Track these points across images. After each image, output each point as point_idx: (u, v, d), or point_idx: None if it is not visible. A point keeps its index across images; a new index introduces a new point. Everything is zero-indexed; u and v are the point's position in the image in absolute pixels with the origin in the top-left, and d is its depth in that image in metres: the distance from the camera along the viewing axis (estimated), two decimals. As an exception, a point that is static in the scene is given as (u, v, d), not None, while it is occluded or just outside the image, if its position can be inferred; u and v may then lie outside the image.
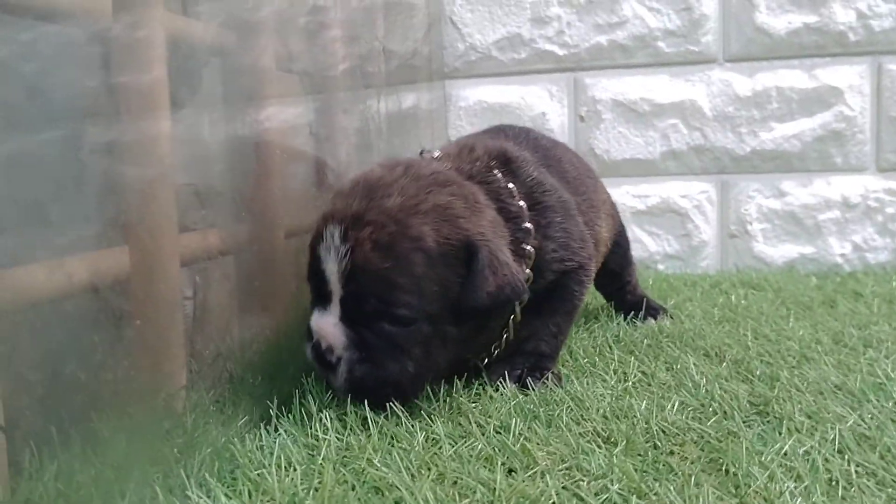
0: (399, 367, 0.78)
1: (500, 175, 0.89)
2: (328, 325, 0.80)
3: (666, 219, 1.88)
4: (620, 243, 1.25)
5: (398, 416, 0.75)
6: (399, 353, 0.78)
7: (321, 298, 0.81)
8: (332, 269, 0.78)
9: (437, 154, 0.92)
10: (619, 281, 1.27)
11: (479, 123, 1.92)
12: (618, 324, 1.17)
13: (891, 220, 1.79)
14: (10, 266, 0.53)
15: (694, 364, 0.91)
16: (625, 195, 1.88)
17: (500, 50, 1.92)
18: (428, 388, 0.82)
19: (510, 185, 0.88)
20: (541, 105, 1.91)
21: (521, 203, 0.88)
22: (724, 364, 0.92)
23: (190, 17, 0.85)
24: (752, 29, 1.80)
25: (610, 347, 1.03)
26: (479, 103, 1.92)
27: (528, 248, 0.87)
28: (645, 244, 1.89)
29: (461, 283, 0.78)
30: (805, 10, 1.78)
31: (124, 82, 0.67)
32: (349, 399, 0.78)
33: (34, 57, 0.63)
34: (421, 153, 0.94)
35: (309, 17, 1.20)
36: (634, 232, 1.88)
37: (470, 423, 0.73)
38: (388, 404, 0.77)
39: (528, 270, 0.87)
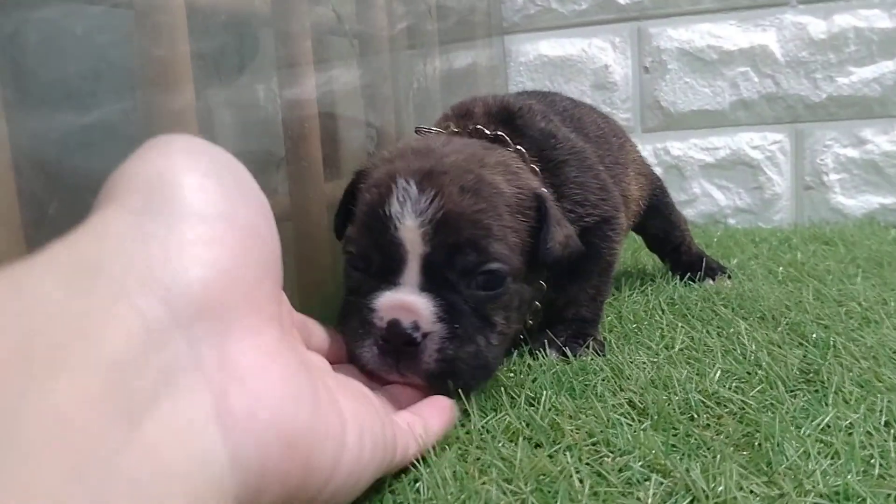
0: (485, 340, 0.69)
1: (506, 138, 0.84)
2: (411, 297, 0.68)
3: (737, 171, 1.81)
4: (659, 207, 1.18)
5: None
6: (484, 323, 0.70)
7: (386, 272, 0.69)
8: (411, 224, 0.68)
9: (433, 130, 0.87)
10: (668, 244, 1.21)
11: (540, 79, 1.87)
12: (673, 286, 1.13)
13: (980, 166, 1.68)
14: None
15: (746, 329, 0.87)
16: (693, 148, 1.81)
17: (560, 1, 1.86)
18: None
19: (518, 148, 0.84)
20: (603, 57, 1.85)
21: (532, 167, 0.84)
22: (779, 328, 0.88)
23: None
24: (827, -33, 1.70)
25: (662, 311, 1.00)
26: (539, 58, 1.87)
27: None
28: (715, 198, 1.82)
29: (532, 238, 0.74)
30: (886, -57, 1.67)
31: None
32: (433, 384, 0.67)
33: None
34: (417, 130, 0.90)
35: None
36: (704, 186, 1.82)
37: (502, 394, 0.71)
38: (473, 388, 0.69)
39: None
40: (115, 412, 0.30)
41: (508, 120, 0.88)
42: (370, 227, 0.70)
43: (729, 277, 1.18)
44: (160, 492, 0.31)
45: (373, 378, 0.68)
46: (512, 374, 0.77)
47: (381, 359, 0.67)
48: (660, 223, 1.19)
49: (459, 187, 0.69)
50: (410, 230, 0.68)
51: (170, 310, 0.35)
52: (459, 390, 0.67)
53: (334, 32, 1.16)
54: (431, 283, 0.68)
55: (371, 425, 0.48)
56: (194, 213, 0.38)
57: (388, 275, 0.69)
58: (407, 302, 0.67)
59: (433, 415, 0.62)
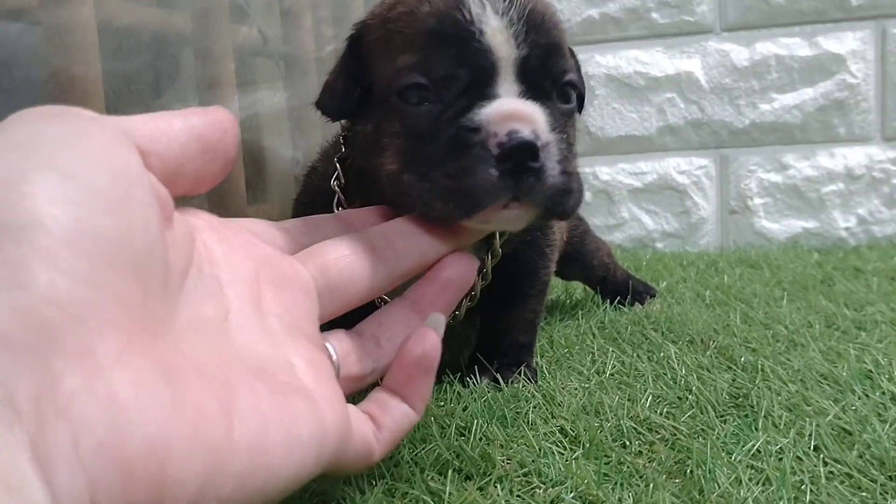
0: (574, 163, 0.61)
1: None
2: (523, 105, 0.58)
3: (664, 196, 1.83)
4: (577, 257, 1.16)
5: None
6: (567, 141, 0.60)
7: (475, 88, 0.59)
8: (497, 25, 0.59)
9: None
10: (586, 267, 1.18)
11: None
12: (603, 310, 1.13)
13: (897, 190, 1.73)
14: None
15: (676, 353, 0.87)
16: (621, 173, 1.83)
17: (490, 27, 1.86)
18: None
19: None
20: (533, 82, 1.86)
21: None
22: (708, 352, 0.88)
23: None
24: (748, -3, 1.74)
25: (593, 335, 0.99)
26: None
27: None
28: (643, 223, 1.84)
29: None
30: (804, -25, 1.72)
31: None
32: (551, 208, 0.58)
33: None
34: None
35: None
36: (632, 210, 1.84)
37: (432, 424, 0.69)
38: None
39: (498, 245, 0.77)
40: None
41: None
42: (443, 39, 0.59)
43: (652, 297, 1.18)
44: None
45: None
46: (442, 404, 0.75)
47: (501, 182, 0.55)
48: (576, 244, 1.16)
49: None
50: (499, 32, 0.59)
51: None
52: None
53: (260, 54, 1.14)
54: (529, 92, 0.60)
55: (290, 420, 0.43)
56: (4, 228, 0.34)
57: (480, 89, 0.59)
58: (521, 110, 0.57)
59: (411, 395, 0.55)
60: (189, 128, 0.45)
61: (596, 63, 1.82)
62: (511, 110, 0.57)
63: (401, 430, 0.54)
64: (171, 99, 0.92)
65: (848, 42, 1.72)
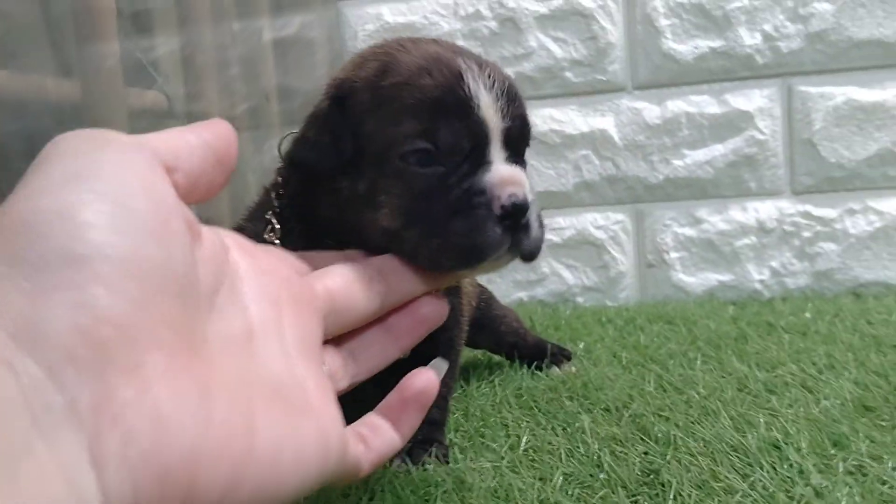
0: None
1: None
2: (518, 171, 0.67)
3: (583, 251, 1.84)
4: (485, 323, 1.17)
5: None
6: None
7: (474, 154, 0.67)
8: (487, 100, 0.66)
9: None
10: (495, 333, 1.19)
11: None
12: (521, 375, 1.12)
13: (808, 243, 1.77)
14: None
15: (590, 424, 0.86)
16: (540, 229, 1.84)
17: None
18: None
19: None
20: (451, 140, 1.86)
21: None
22: (622, 421, 0.87)
23: None
24: (659, 55, 1.78)
25: (509, 405, 0.98)
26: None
27: None
28: (563, 277, 1.85)
29: None
30: (711, 34, 1.77)
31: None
32: (531, 259, 0.68)
33: None
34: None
35: None
36: (552, 265, 1.84)
37: (336, 516, 0.66)
38: None
39: None
40: None
41: None
42: (448, 110, 0.66)
43: (567, 359, 1.19)
44: None
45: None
46: (349, 493, 0.72)
47: (503, 237, 0.64)
48: (489, 337, 1.18)
49: (495, 64, 0.71)
50: (489, 107, 0.66)
51: (39, 363, 0.36)
52: None
53: (166, 115, 1.12)
54: (512, 157, 0.68)
55: (300, 437, 0.47)
56: (65, 256, 0.38)
57: (478, 156, 0.67)
58: (516, 176, 0.66)
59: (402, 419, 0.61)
60: (203, 142, 0.49)
61: (512, 121, 1.84)
62: (508, 176, 0.65)
63: (387, 453, 0.58)
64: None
65: (755, 99, 1.77)
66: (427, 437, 0.82)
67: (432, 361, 0.63)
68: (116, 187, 0.42)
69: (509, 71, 1.81)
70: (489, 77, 0.67)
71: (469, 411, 0.96)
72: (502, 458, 0.79)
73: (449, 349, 0.86)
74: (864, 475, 0.69)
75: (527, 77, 1.82)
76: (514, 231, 0.65)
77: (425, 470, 0.76)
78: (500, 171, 0.65)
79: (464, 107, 0.66)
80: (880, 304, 1.55)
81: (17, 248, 0.38)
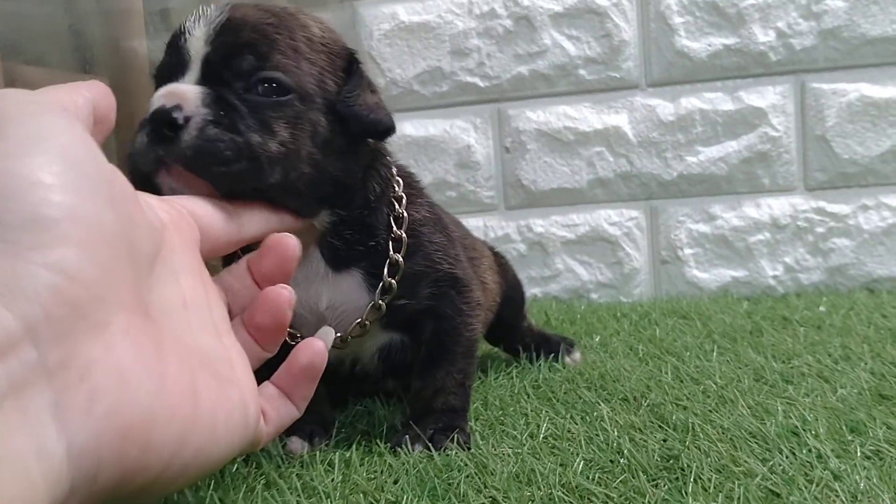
0: (260, 139, 0.69)
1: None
2: (181, 86, 0.69)
3: (597, 247, 1.85)
4: (515, 298, 1.20)
5: (287, 499, 0.69)
6: (264, 126, 0.70)
7: (171, 77, 0.71)
8: (199, 33, 0.71)
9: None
10: (514, 331, 1.21)
11: (405, 159, 1.87)
12: (538, 367, 1.13)
13: (821, 239, 1.78)
14: None
15: (608, 413, 0.87)
16: (554, 225, 1.85)
17: (422, 84, 1.88)
18: (324, 462, 0.77)
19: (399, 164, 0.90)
20: (466, 137, 1.88)
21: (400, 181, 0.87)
22: (641, 411, 0.88)
23: None
24: (672, 53, 1.79)
25: (527, 395, 0.99)
26: (403, 138, 1.88)
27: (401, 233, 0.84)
28: (577, 273, 1.86)
29: (337, 86, 0.76)
30: (725, 31, 1.78)
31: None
32: (193, 168, 0.66)
33: None
34: None
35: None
36: (566, 261, 1.85)
37: (362, 500, 0.68)
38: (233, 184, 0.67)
39: (393, 281, 0.83)
40: None
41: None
42: (167, 47, 0.74)
43: (574, 354, 1.19)
44: None
45: None
46: (373, 477, 0.73)
47: (148, 147, 0.66)
48: (514, 311, 1.20)
49: (258, 7, 0.73)
50: (196, 38, 0.71)
51: (17, 317, 0.37)
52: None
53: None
54: (210, 81, 0.70)
55: (229, 405, 0.50)
56: (36, 217, 0.40)
57: (172, 78, 0.71)
58: (173, 88, 0.68)
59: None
60: (89, 100, 0.51)
61: (526, 118, 1.85)
62: (164, 91, 0.68)
63: (283, 425, 0.61)
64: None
65: (768, 96, 1.77)
66: (448, 425, 0.84)
67: (320, 330, 0.66)
68: (68, 151, 0.44)
69: (521, 69, 1.83)
70: (218, 15, 0.71)
71: (488, 401, 0.98)
72: (523, 444, 0.80)
73: (456, 339, 0.88)
74: (882, 459, 0.70)
75: (541, 75, 1.84)
76: (160, 141, 0.65)
77: (447, 456, 0.77)
78: (166, 86, 0.69)
79: (175, 41, 0.72)
80: (895, 299, 1.56)
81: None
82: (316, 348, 0.62)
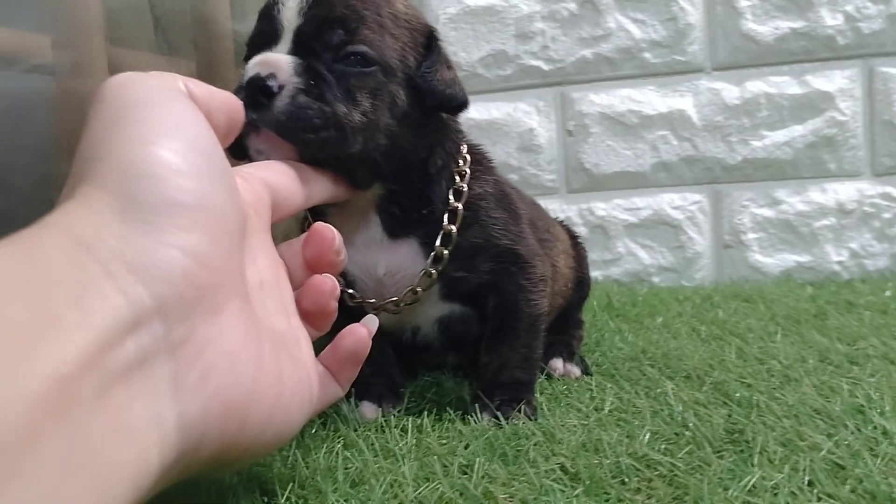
0: (345, 109, 0.73)
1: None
2: (275, 56, 0.73)
3: (659, 231, 1.85)
4: (582, 290, 1.20)
5: (366, 458, 0.72)
6: (348, 96, 0.74)
7: (264, 46, 0.75)
8: (292, 4, 0.74)
9: None
10: (565, 320, 1.16)
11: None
12: (601, 346, 1.15)
13: (888, 225, 1.76)
14: None
15: (673, 389, 0.89)
16: (616, 208, 1.86)
17: (486, 67, 1.90)
18: (398, 426, 0.80)
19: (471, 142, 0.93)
20: (528, 121, 1.89)
21: (468, 157, 0.89)
22: (704, 388, 0.89)
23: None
24: (738, 36, 1.78)
25: (590, 372, 1.01)
26: (466, 121, 1.90)
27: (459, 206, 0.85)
28: (639, 257, 1.86)
29: (416, 61, 0.80)
30: (792, 15, 1.76)
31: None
32: (283, 133, 0.70)
33: None
34: None
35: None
36: (628, 245, 1.86)
37: (435, 463, 0.71)
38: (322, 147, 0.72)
39: (445, 250, 0.84)
40: (93, 379, 0.36)
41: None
42: (260, 16, 0.77)
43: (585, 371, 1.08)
44: (113, 444, 0.37)
45: None
46: (444, 442, 0.76)
47: (250, 107, 0.69)
48: (578, 301, 1.20)
49: None
50: (290, 9, 0.74)
51: (151, 294, 0.40)
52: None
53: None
54: (301, 52, 0.73)
55: (301, 389, 0.53)
56: (173, 202, 0.43)
57: (265, 48, 0.74)
58: (267, 57, 0.72)
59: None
60: (222, 105, 0.54)
61: (590, 102, 1.86)
62: (259, 59, 0.71)
63: (328, 403, 0.63)
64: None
65: (836, 80, 1.75)
66: (514, 397, 0.86)
67: (365, 318, 0.66)
68: (199, 139, 0.47)
69: (585, 52, 1.83)
70: None
71: (551, 377, 1.00)
72: (588, 417, 0.82)
73: (518, 315, 0.89)
74: (949, 437, 0.71)
75: (605, 58, 1.84)
76: (254, 106, 0.69)
77: (515, 425, 0.80)
78: (261, 55, 0.72)
79: (268, 10, 0.76)
80: (963, 286, 1.54)
81: (135, 191, 0.43)
82: (359, 336, 0.63)
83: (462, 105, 0.83)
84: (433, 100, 0.80)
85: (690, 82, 1.82)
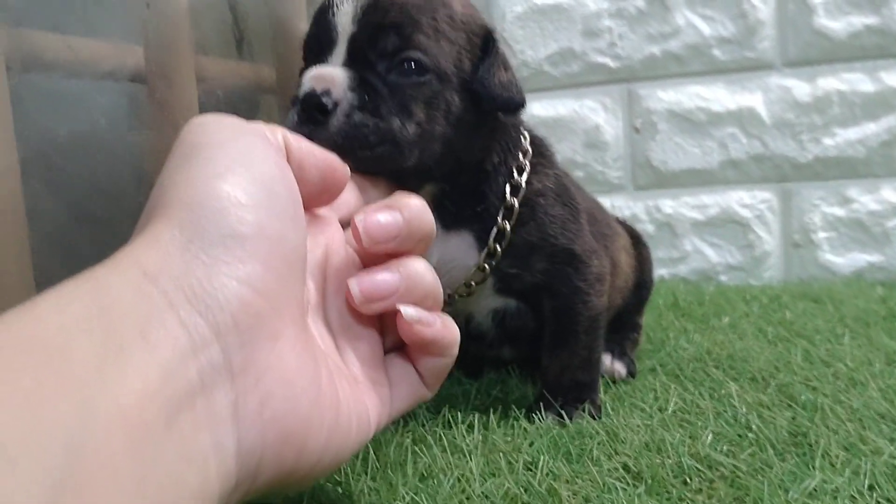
0: (400, 124, 0.73)
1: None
2: (329, 70, 0.73)
3: (727, 229, 1.84)
4: (644, 286, 1.17)
5: (434, 453, 0.75)
6: (403, 108, 0.73)
7: (320, 54, 0.75)
8: (346, 9, 0.74)
9: None
10: (625, 322, 1.15)
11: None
12: (665, 346, 1.15)
13: (964, 224, 1.72)
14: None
15: (737, 391, 0.89)
16: (684, 206, 1.85)
17: (553, 64, 1.91)
18: (464, 422, 0.83)
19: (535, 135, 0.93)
20: (594, 117, 1.89)
21: (529, 151, 0.89)
22: (769, 390, 0.90)
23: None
24: (810, 32, 1.76)
25: (654, 372, 1.02)
26: (532, 118, 1.92)
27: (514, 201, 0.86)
28: (706, 255, 1.86)
29: (472, 64, 0.79)
30: (865, 10, 1.73)
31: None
32: (339, 151, 0.66)
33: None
34: None
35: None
36: (695, 243, 1.85)
37: (500, 459, 0.73)
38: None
39: (497, 246, 0.85)
40: (160, 409, 0.37)
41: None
42: (315, 19, 0.77)
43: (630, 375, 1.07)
44: (181, 473, 0.38)
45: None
46: (509, 439, 0.79)
47: (299, 126, 0.70)
48: (638, 303, 1.17)
49: None
50: (344, 14, 0.74)
51: (209, 324, 0.41)
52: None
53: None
54: (355, 62, 0.73)
55: (358, 409, 0.53)
56: (232, 234, 0.45)
57: (321, 55, 0.75)
58: (323, 72, 0.72)
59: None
60: (319, 161, 0.56)
61: (658, 99, 1.85)
62: (315, 73, 0.72)
63: (411, 406, 0.61)
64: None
65: (911, 76, 1.72)
66: (578, 397, 0.87)
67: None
68: (263, 172, 0.48)
69: (653, 49, 1.83)
70: None
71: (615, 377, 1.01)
72: (651, 417, 0.83)
73: (575, 317, 0.89)
74: None
75: (673, 55, 1.84)
76: (312, 122, 0.70)
77: (579, 424, 0.82)
78: (316, 68, 0.73)
79: (323, 14, 0.75)
80: None
81: (198, 224, 0.44)
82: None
83: (518, 107, 0.83)
84: (490, 103, 0.80)
85: (760, 79, 1.80)
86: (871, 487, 0.63)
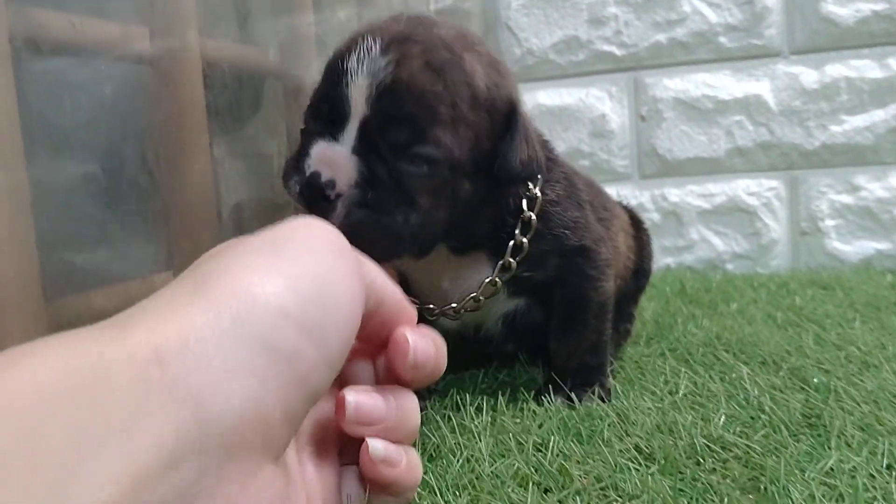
0: (403, 218, 0.70)
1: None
2: (338, 155, 0.69)
3: (734, 217, 1.83)
4: (643, 273, 1.14)
5: (443, 433, 0.74)
6: (406, 200, 0.70)
7: (330, 125, 0.71)
8: (362, 84, 0.69)
9: None
10: (622, 314, 1.11)
11: (539, 128, 1.90)
12: (674, 330, 1.14)
13: (973, 211, 1.71)
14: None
15: (748, 374, 0.89)
16: (690, 194, 1.84)
17: (558, 53, 1.90)
18: (472, 403, 0.82)
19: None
20: (601, 106, 1.88)
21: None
22: (781, 373, 0.89)
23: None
24: (817, 19, 1.74)
25: (664, 356, 1.01)
26: (537, 107, 1.91)
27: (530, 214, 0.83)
28: (713, 244, 1.84)
29: (490, 140, 0.75)
30: (874, -4, 1.72)
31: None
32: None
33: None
34: None
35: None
36: (702, 232, 1.84)
37: (510, 440, 0.72)
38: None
39: (513, 260, 0.83)
40: None
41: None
42: (327, 77, 0.72)
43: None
44: None
45: None
46: (518, 420, 0.78)
47: (300, 198, 0.70)
48: (634, 290, 1.14)
49: (425, 62, 0.69)
50: (359, 89, 0.69)
51: (199, 433, 0.38)
52: None
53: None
54: (365, 147, 0.69)
55: None
56: (265, 344, 0.41)
57: (333, 128, 0.70)
58: (334, 158, 0.69)
59: None
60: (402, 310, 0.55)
61: (664, 87, 1.84)
62: (327, 156, 0.70)
63: None
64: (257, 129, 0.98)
65: (920, 63, 1.71)
66: (587, 380, 0.87)
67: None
68: (327, 293, 0.45)
69: (659, 37, 1.82)
70: (385, 64, 0.68)
71: (625, 359, 1.00)
72: (662, 400, 0.83)
73: (585, 304, 0.88)
74: None
75: (679, 42, 1.82)
76: (315, 203, 0.68)
77: (589, 406, 0.81)
78: (324, 147, 0.70)
79: (336, 78, 0.70)
80: None
81: (237, 318, 0.41)
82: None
83: (535, 177, 0.81)
84: (508, 179, 0.78)
85: (767, 67, 1.79)
86: (889, 467, 0.62)
